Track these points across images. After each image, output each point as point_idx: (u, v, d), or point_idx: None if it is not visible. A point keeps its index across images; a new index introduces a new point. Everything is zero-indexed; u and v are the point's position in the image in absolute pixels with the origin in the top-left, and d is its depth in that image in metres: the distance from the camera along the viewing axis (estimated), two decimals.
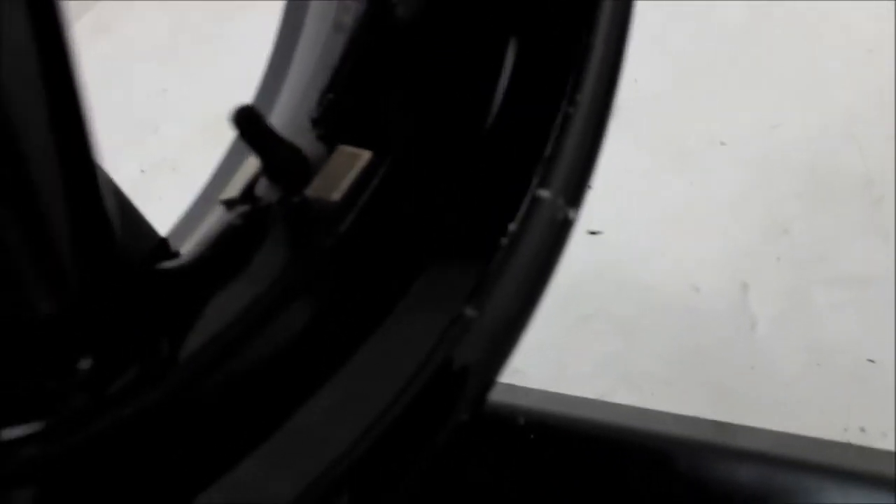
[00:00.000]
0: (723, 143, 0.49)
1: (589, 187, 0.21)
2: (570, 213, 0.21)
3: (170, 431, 0.17)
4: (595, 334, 0.42)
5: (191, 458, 0.17)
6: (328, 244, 0.19)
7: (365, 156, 0.20)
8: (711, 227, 0.44)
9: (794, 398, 0.35)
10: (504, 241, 0.19)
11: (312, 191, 0.20)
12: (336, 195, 0.20)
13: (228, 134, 0.20)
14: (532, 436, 0.35)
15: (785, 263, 0.40)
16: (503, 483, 0.34)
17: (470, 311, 0.18)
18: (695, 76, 0.53)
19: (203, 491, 0.16)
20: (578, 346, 0.42)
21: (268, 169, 0.20)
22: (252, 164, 0.21)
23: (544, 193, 0.20)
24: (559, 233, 0.21)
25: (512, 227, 0.19)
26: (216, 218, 0.21)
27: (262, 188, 0.21)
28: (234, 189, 0.21)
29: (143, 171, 0.64)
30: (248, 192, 0.21)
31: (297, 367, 0.18)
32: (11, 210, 0.15)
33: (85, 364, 0.17)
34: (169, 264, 0.20)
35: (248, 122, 0.18)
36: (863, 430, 0.33)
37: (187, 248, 0.21)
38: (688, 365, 0.38)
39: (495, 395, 0.38)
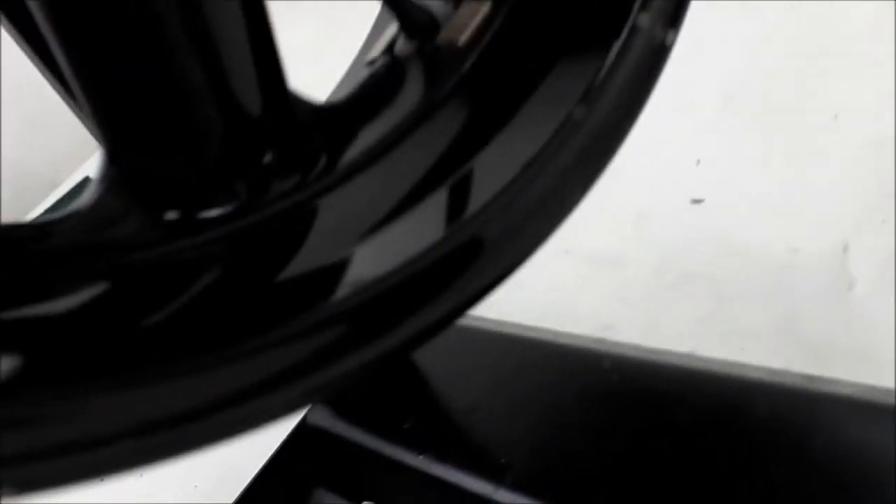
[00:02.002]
0: (835, 117, 0.48)
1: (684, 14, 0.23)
2: (668, 38, 0.23)
3: (332, 209, 0.21)
4: (690, 295, 0.42)
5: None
6: (456, 75, 0.23)
7: (485, 6, 0.24)
8: (815, 196, 0.43)
9: (889, 355, 0.34)
10: (608, 60, 0.21)
11: (441, 40, 0.23)
12: (462, 39, 0.23)
13: None
14: (615, 378, 0.36)
15: (889, 226, 0.39)
16: (591, 414, 0.35)
17: (579, 113, 0.21)
18: (811, 54, 0.52)
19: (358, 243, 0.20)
20: (672, 306, 0.42)
21: (404, 28, 0.25)
22: (391, 29, 0.26)
23: (643, 19, 0.22)
24: (657, 55, 0.23)
25: (615, 47, 0.22)
26: (362, 74, 0.25)
27: (400, 45, 0.25)
28: (376, 50, 0.26)
29: None
30: (389, 50, 0.25)
31: (435, 165, 0.21)
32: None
33: (268, 158, 0.21)
34: (324, 105, 0.24)
35: None
36: None
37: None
38: (781, 323, 0.38)
39: (585, 343, 0.40)
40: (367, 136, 0.22)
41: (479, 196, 0.21)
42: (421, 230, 0.20)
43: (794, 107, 0.50)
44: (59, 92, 0.34)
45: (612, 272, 0.45)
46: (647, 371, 0.36)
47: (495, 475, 0.35)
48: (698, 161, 0.49)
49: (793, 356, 0.36)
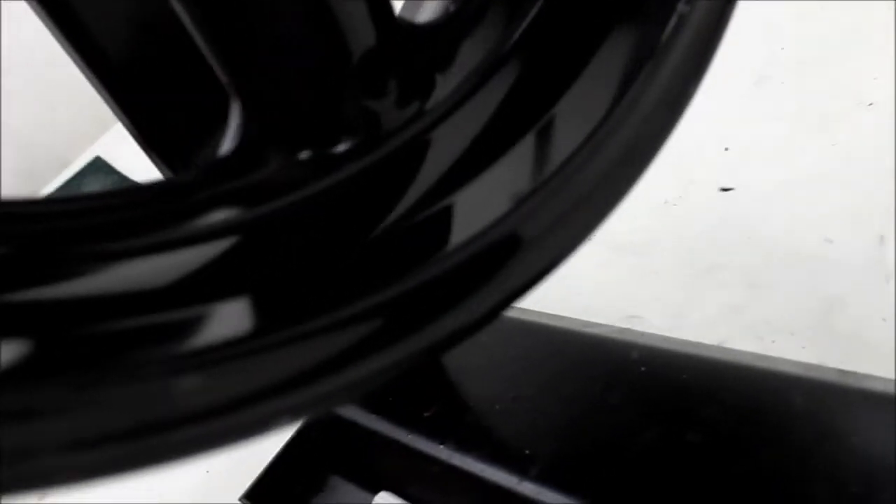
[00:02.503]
0: (871, 105, 0.47)
1: None
2: None
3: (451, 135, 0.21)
4: (719, 284, 0.41)
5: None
6: None
7: None
8: (850, 185, 0.42)
9: None
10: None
11: None
12: None
13: None
14: (643, 368, 0.35)
15: None
16: (618, 406, 0.34)
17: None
18: (844, 40, 0.51)
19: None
20: (701, 296, 0.41)
21: None
22: None
23: None
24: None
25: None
26: None
27: None
28: None
29: None
30: None
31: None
32: None
33: (392, 87, 0.22)
34: (422, 25, 0.24)
35: None
36: None
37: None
38: (814, 315, 0.37)
39: (612, 333, 0.39)
40: (471, 56, 0.23)
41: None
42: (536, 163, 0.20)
43: (826, 94, 0.49)
44: (80, 67, 0.33)
45: (639, 260, 0.44)
46: (677, 363, 0.35)
47: (520, 467, 0.35)
48: (727, 148, 0.48)
49: (827, 351, 0.35)
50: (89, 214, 0.18)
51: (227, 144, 0.21)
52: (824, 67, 0.50)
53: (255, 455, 0.48)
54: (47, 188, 1.26)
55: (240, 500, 0.46)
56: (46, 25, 0.31)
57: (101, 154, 1.27)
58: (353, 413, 0.44)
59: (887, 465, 0.29)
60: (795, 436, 0.31)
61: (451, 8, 0.25)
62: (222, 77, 0.21)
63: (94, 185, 1.24)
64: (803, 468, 0.30)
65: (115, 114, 0.35)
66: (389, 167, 0.21)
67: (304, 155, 0.21)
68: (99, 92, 0.34)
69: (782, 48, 0.53)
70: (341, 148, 0.21)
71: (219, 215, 0.19)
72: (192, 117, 0.36)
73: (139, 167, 1.16)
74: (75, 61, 0.33)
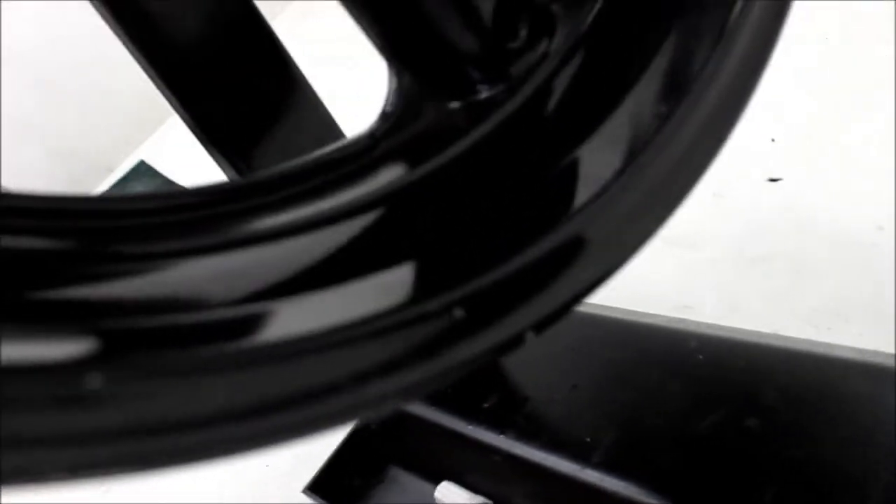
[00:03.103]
0: None
1: None
2: None
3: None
4: (770, 273, 0.42)
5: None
6: None
7: None
8: None
9: None
10: None
11: None
12: None
13: None
14: (701, 356, 0.36)
15: None
16: (671, 394, 0.35)
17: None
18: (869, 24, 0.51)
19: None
20: (753, 285, 0.42)
21: None
22: None
23: None
24: None
25: None
26: None
27: None
28: None
29: None
30: None
31: None
32: None
33: (523, 32, 0.23)
34: None
35: None
36: None
37: None
38: (867, 302, 0.38)
39: (670, 324, 0.39)
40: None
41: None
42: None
43: (872, 84, 0.49)
44: (141, 63, 0.34)
45: (690, 253, 0.45)
46: (734, 350, 0.36)
47: (581, 454, 0.35)
48: (773, 139, 0.49)
49: (882, 336, 0.36)
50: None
51: (388, 104, 0.23)
52: (871, 59, 0.50)
53: (314, 451, 0.49)
54: (92, 193, 1.29)
55: (303, 492, 0.47)
56: (106, 21, 0.33)
57: (144, 158, 1.29)
58: (412, 406, 0.46)
59: None
60: (854, 420, 0.31)
61: None
62: (376, 42, 0.23)
63: (138, 189, 1.27)
64: (862, 451, 0.30)
65: (175, 109, 0.36)
66: (530, 112, 0.22)
67: (455, 105, 0.23)
68: (159, 87, 0.35)
69: (829, 39, 0.53)
70: (483, 94, 0.23)
71: (394, 170, 0.21)
72: (250, 112, 0.37)
73: (183, 170, 1.18)
74: (136, 58, 0.34)
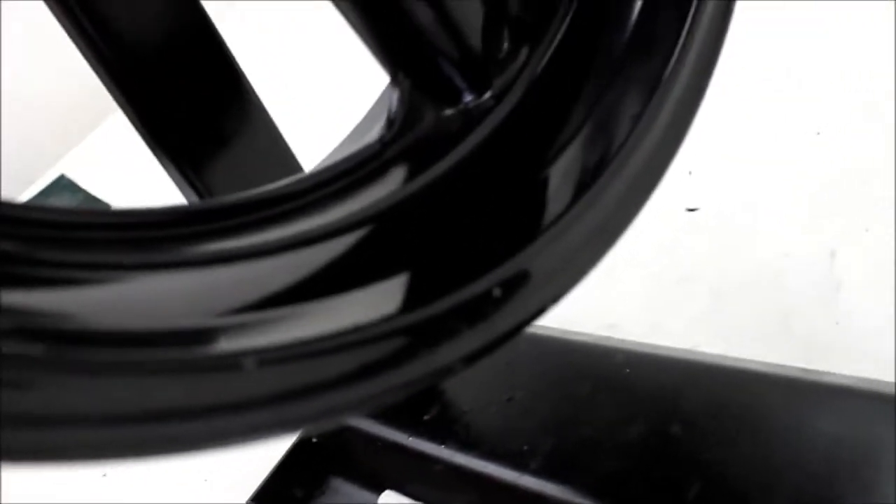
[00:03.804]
0: (818, 134, 0.52)
1: None
2: None
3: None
4: (688, 295, 0.46)
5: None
6: None
7: None
8: (803, 205, 0.47)
9: (878, 348, 0.37)
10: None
11: None
12: None
13: None
14: (627, 370, 0.39)
15: (872, 234, 0.42)
16: (602, 404, 0.38)
17: None
18: (796, 67, 0.56)
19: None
20: (672, 306, 0.46)
21: None
22: None
23: None
24: None
25: None
26: None
27: None
28: None
29: None
30: None
31: None
32: None
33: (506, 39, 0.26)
34: None
35: None
36: None
37: None
38: (777, 322, 0.42)
39: (598, 341, 0.42)
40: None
41: None
42: None
43: (779, 121, 0.54)
44: (90, 61, 0.36)
45: (613, 275, 0.48)
46: (658, 364, 0.39)
47: (520, 462, 0.38)
48: (690, 172, 0.53)
49: (788, 352, 0.39)
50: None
51: (394, 111, 0.26)
52: (774, 101, 0.55)
53: (253, 466, 0.51)
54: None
55: (248, 502, 0.48)
56: (56, 17, 0.34)
57: (65, 172, 1.27)
58: (353, 419, 0.48)
59: (847, 449, 0.33)
60: (765, 426, 0.35)
61: None
62: (379, 58, 0.27)
63: (60, 204, 1.24)
64: (772, 454, 0.34)
65: (123, 109, 0.37)
66: (520, 116, 0.25)
67: (449, 112, 0.26)
68: (107, 87, 0.37)
69: (733, 82, 0.58)
70: (473, 101, 0.26)
71: (403, 171, 0.24)
72: (202, 121, 0.39)
73: (105, 186, 1.17)
74: (85, 55, 0.35)
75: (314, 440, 0.50)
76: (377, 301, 0.22)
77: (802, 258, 0.44)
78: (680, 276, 0.47)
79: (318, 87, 0.95)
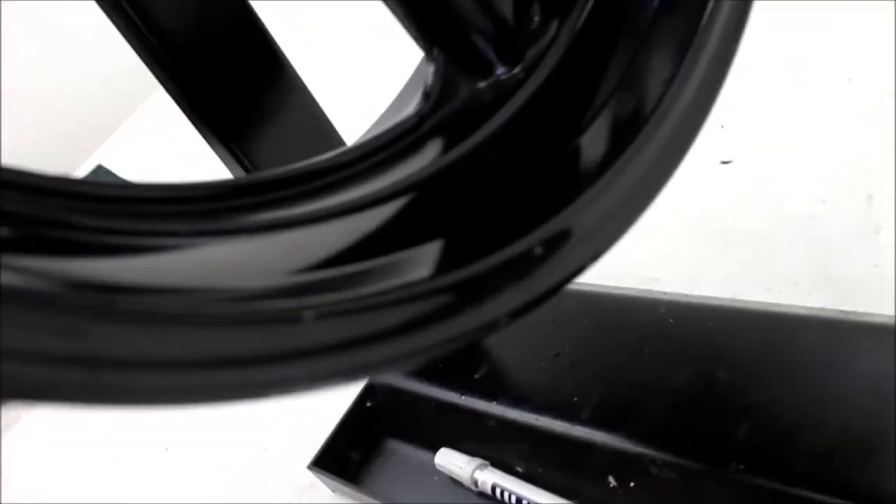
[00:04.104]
0: (850, 80, 0.52)
1: None
2: None
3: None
4: (727, 245, 0.46)
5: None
6: None
7: None
8: (839, 150, 0.47)
9: None
10: None
11: None
12: None
13: None
14: (671, 320, 0.40)
15: None
16: (647, 354, 0.39)
17: None
18: (826, 13, 0.56)
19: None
20: (712, 257, 0.46)
21: None
22: None
23: None
24: None
25: None
26: None
27: None
28: None
29: None
30: None
31: None
32: None
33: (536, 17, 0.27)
34: None
35: None
36: None
37: None
38: (815, 267, 0.42)
39: (640, 293, 0.43)
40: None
41: None
42: None
43: (809, 68, 0.54)
44: (135, 47, 0.37)
45: (653, 230, 0.49)
46: (701, 314, 0.40)
47: (570, 413, 0.40)
48: (722, 126, 0.53)
49: (829, 296, 0.40)
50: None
51: (431, 86, 0.28)
52: (809, 40, 0.55)
53: (310, 435, 0.53)
54: None
55: (308, 468, 0.50)
56: (102, 8, 0.36)
57: (102, 162, 1.30)
58: (405, 382, 0.49)
59: (887, 387, 0.34)
60: (808, 366, 0.36)
61: None
62: (413, 34, 0.28)
63: None
64: (818, 392, 0.35)
65: (166, 88, 0.39)
66: (552, 89, 0.27)
67: (482, 84, 0.27)
68: (150, 67, 0.38)
69: (773, 20, 0.58)
70: (504, 74, 0.27)
71: (439, 144, 0.25)
72: (244, 101, 0.40)
73: (143, 173, 1.19)
74: (127, 37, 0.37)
75: (369, 405, 0.51)
76: (422, 261, 0.23)
77: (839, 204, 0.44)
78: (718, 227, 0.48)
79: (356, 65, 0.96)
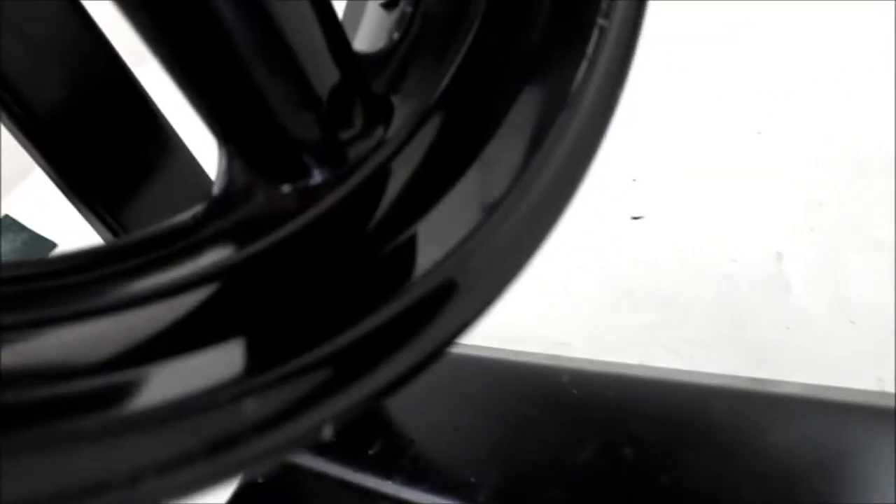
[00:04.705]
0: (759, 133, 0.51)
1: None
2: None
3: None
4: (635, 306, 0.44)
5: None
6: None
7: None
8: (749, 207, 0.46)
9: (829, 353, 0.36)
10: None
11: None
12: None
13: None
14: (574, 391, 0.37)
15: (818, 234, 0.41)
16: (549, 429, 0.36)
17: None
18: (733, 69, 0.55)
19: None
20: (619, 318, 0.44)
21: None
22: None
23: None
24: None
25: None
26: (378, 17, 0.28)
27: None
28: None
29: None
30: None
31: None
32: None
33: (357, 115, 0.24)
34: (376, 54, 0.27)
35: None
36: None
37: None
38: (725, 329, 0.40)
39: (542, 360, 0.41)
40: (419, 78, 0.25)
41: None
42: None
43: (719, 123, 0.53)
44: (6, 123, 0.34)
45: (561, 289, 0.47)
46: (605, 383, 0.37)
47: (467, 495, 0.36)
48: (634, 179, 0.52)
49: (740, 360, 0.38)
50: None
51: (216, 187, 0.23)
52: (716, 96, 0.54)
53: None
54: None
55: None
56: None
57: (8, 212, 1.24)
58: (297, 456, 0.45)
59: (802, 460, 0.32)
60: (718, 441, 0.33)
61: (395, 36, 0.27)
62: (209, 125, 0.23)
63: (5, 244, 1.21)
64: (728, 470, 0.32)
65: (41, 165, 0.35)
66: (361, 196, 0.23)
67: (286, 189, 0.23)
68: (23, 144, 0.35)
69: (676, 83, 0.57)
70: (316, 179, 0.23)
71: (221, 251, 0.21)
72: (119, 169, 0.37)
73: (51, 223, 1.14)
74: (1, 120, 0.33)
75: (259, 480, 0.47)
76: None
77: (749, 262, 0.42)
78: (626, 286, 0.46)
79: None
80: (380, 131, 0.24)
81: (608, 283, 0.46)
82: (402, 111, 0.24)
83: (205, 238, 0.22)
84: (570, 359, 0.40)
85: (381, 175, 0.23)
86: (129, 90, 0.37)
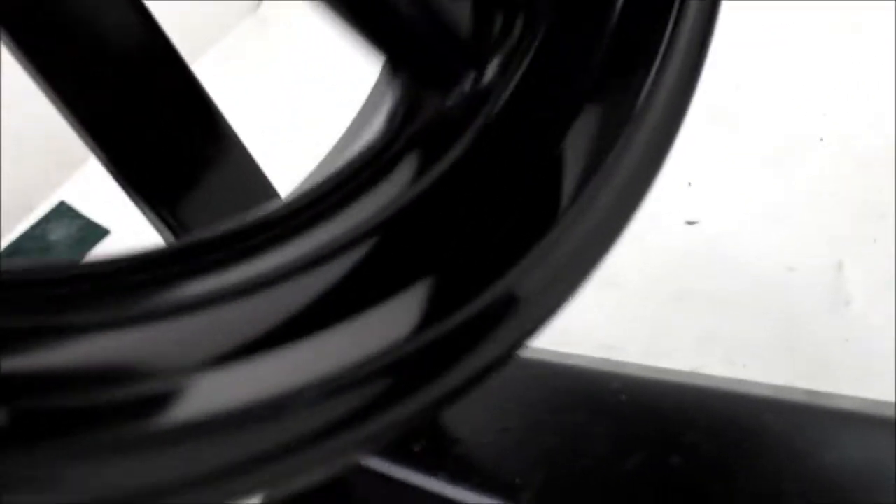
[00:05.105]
0: (822, 140, 0.50)
1: None
2: None
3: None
4: (689, 312, 0.43)
5: None
6: None
7: None
8: (808, 215, 0.45)
9: (887, 367, 0.35)
10: None
11: None
12: None
13: None
14: (624, 397, 0.37)
15: (881, 245, 0.40)
16: (597, 434, 0.36)
17: None
18: (795, 73, 0.54)
19: None
20: (673, 324, 0.43)
21: None
22: None
23: None
24: None
25: None
26: None
27: None
28: None
29: None
30: None
31: None
32: None
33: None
34: None
35: None
36: None
37: None
38: (780, 339, 0.39)
39: (592, 364, 0.40)
40: None
41: None
42: None
43: (781, 129, 0.52)
44: (64, 114, 0.34)
45: (612, 292, 0.46)
46: (655, 390, 0.37)
47: (511, 495, 0.36)
48: (690, 183, 0.51)
49: (795, 372, 0.37)
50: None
51: (393, 105, 0.25)
52: (780, 104, 0.53)
53: None
54: (11, 234, 1.26)
55: None
56: (29, 74, 0.33)
57: (65, 199, 1.27)
58: None
59: (857, 479, 0.31)
60: (770, 455, 0.33)
61: None
62: (374, 50, 0.25)
63: (59, 230, 1.24)
64: (778, 485, 0.32)
65: (96, 154, 0.36)
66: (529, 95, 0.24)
67: (449, 97, 0.24)
68: (82, 137, 0.35)
69: (737, 86, 0.56)
70: (472, 86, 0.24)
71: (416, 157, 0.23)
72: (175, 164, 0.37)
73: (105, 211, 1.16)
74: (59, 108, 0.34)
75: None
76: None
77: (807, 272, 0.41)
78: (680, 292, 0.45)
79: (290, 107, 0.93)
80: (519, 26, 0.25)
81: (661, 289, 0.45)
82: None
83: (397, 152, 0.23)
84: (622, 363, 0.40)
85: (534, 71, 0.24)
86: (187, 85, 0.37)
